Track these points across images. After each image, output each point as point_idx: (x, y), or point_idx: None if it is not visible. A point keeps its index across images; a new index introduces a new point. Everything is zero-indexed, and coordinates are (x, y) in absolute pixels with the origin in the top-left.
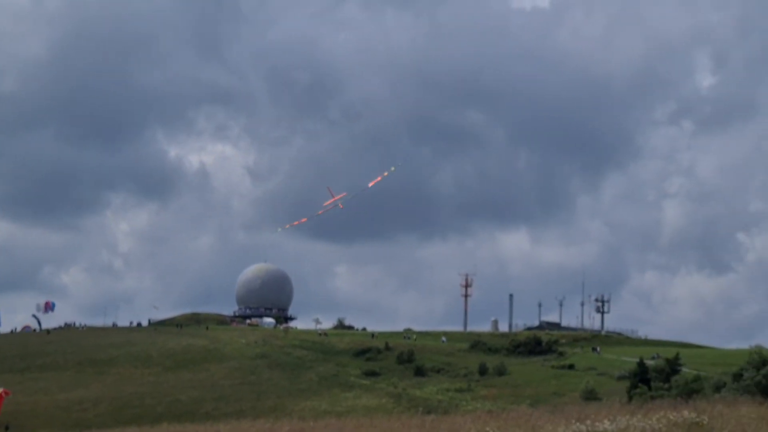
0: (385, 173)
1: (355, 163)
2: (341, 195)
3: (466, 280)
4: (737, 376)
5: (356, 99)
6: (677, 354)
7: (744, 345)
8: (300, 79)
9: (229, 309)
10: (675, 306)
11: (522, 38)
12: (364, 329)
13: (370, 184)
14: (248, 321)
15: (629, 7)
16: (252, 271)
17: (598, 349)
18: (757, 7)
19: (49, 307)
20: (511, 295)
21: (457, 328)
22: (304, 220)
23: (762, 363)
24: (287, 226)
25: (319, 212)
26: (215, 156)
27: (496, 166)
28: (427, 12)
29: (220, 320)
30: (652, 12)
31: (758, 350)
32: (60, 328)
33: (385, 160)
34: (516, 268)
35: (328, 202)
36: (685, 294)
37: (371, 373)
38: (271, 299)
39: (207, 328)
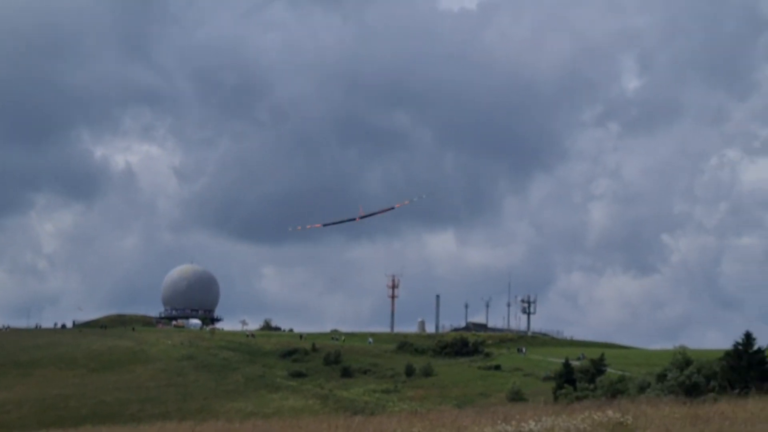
0: (406, 201)
1: (283, 163)
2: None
3: (393, 281)
4: (661, 377)
5: (283, 100)
6: (602, 355)
7: (668, 345)
8: (227, 80)
9: (155, 310)
10: (601, 307)
11: (449, 40)
12: (291, 330)
13: (397, 206)
14: (174, 322)
15: (556, 10)
16: (178, 272)
17: (524, 349)
18: (681, 11)
19: None
20: (437, 296)
21: (384, 329)
22: (318, 225)
23: (685, 363)
24: (299, 228)
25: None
26: (141, 156)
27: (423, 167)
28: (355, 13)
29: (146, 321)
30: (579, 15)
31: (682, 351)
32: None
33: (312, 161)
34: (443, 269)
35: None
36: (611, 295)
37: (298, 375)
38: (197, 300)
39: (133, 329)
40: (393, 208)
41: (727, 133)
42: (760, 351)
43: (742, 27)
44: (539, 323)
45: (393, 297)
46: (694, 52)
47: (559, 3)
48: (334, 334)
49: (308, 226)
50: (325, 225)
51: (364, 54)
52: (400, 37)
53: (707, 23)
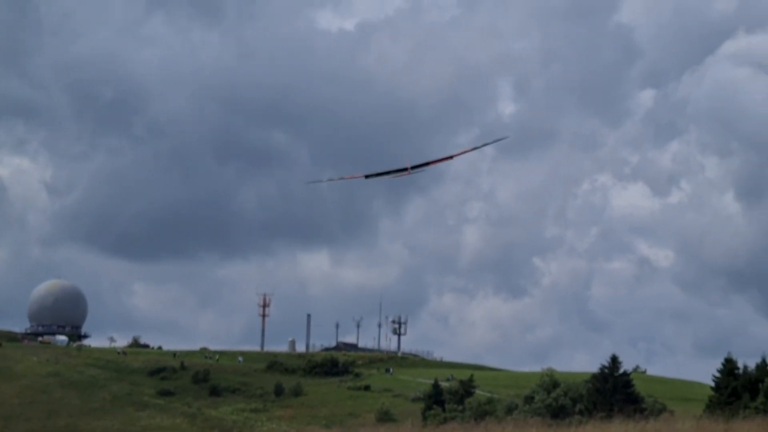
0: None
1: (158, 180)
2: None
3: (264, 299)
4: (529, 399)
5: (160, 116)
6: (471, 376)
7: (537, 368)
8: (103, 94)
9: (21, 326)
10: (471, 329)
11: (328, 60)
12: (159, 348)
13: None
14: (40, 338)
15: (435, 33)
16: (45, 287)
17: (391, 370)
18: (558, 37)
19: None
20: (308, 316)
21: (255, 348)
22: (359, 176)
23: (553, 386)
24: (337, 179)
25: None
26: (12, 169)
27: (299, 186)
28: (235, 31)
29: (11, 337)
30: (457, 39)
31: (549, 373)
32: None
33: (188, 178)
34: (316, 288)
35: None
36: (482, 317)
37: (166, 393)
38: (64, 316)
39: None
40: (451, 157)
41: (600, 159)
42: (625, 374)
43: (617, 55)
44: (410, 344)
45: (264, 316)
46: (569, 79)
47: (438, 26)
48: (207, 353)
49: (347, 177)
50: (367, 177)
51: (242, 72)
52: (279, 56)
53: (583, 51)
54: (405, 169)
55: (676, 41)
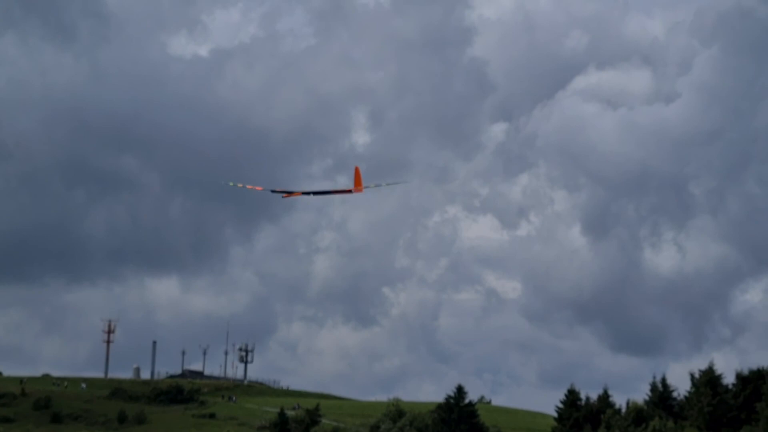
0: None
1: (5, 202)
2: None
3: (109, 326)
4: (374, 428)
5: (7, 137)
6: (318, 405)
7: (384, 397)
8: None
9: None
10: (320, 357)
11: (181, 86)
12: None
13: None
14: None
15: (290, 62)
16: None
17: (234, 398)
18: (412, 69)
19: None
20: (154, 342)
21: (99, 374)
22: (259, 188)
23: (398, 415)
24: (240, 185)
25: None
26: None
27: (149, 211)
28: (87, 53)
29: None
30: (312, 68)
31: (396, 402)
32: None
33: (35, 200)
34: (163, 315)
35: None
36: (330, 346)
37: (5, 420)
38: None
39: None
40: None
41: (451, 191)
42: (470, 404)
43: (470, 88)
44: (257, 372)
45: (108, 342)
46: (423, 111)
47: (293, 55)
48: (54, 380)
49: (248, 186)
50: (273, 191)
51: (93, 95)
52: (131, 80)
53: (436, 83)
54: (348, 191)
55: (529, 76)
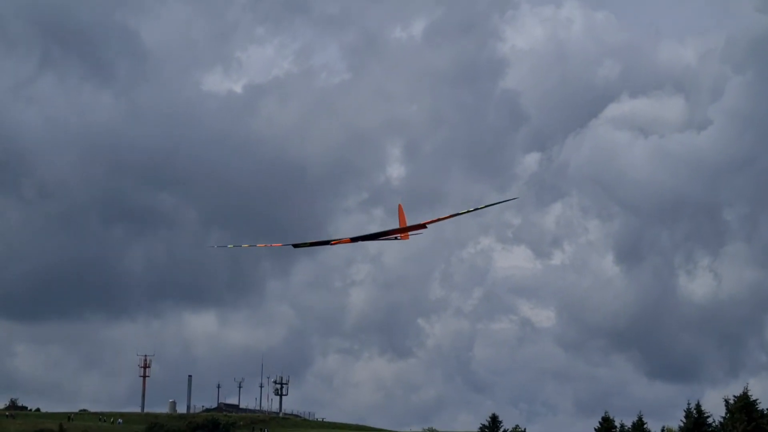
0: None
1: (45, 241)
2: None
3: (145, 360)
4: None
5: (47, 176)
6: None
7: (420, 427)
8: None
9: None
10: (356, 389)
11: (215, 123)
12: (38, 410)
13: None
14: None
15: (324, 97)
16: None
17: (266, 430)
18: (446, 102)
19: None
20: (189, 377)
21: (135, 409)
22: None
23: None
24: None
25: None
26: None
27: (186, 247)
28: (126, 92)
29: None
30: (347, 103)
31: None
32: None
33: (76, 238)
34: (199, 349)
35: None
36: (366, 377)
37: None
38: None
39: None
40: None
41: (484, 223)
42: None
43: (502, 120)
44: (292, 405)
45: (144, 377)
46: (457, 143)
47: (328, 90)
48: (101, 415)
49: (230, 246)
50: (295, 246)
51: (130, 133)
52: (166, 118)
53: (470, 115)
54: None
55: (562, 105)
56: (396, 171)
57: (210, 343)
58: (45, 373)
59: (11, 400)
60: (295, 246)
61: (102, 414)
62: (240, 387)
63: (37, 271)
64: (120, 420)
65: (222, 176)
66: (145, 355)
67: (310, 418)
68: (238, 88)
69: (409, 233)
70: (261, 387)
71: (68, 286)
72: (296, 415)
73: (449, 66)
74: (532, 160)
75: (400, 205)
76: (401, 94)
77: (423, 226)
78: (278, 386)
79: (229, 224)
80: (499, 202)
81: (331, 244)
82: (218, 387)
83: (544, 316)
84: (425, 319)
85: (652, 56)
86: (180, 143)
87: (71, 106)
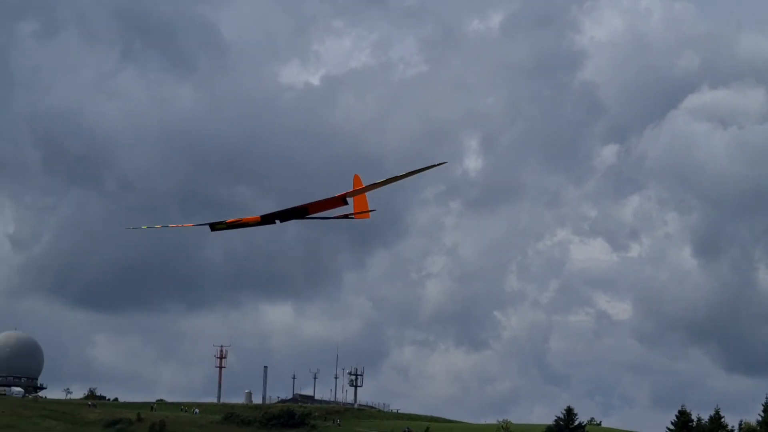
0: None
1: (125, 232)
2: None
3: (221, 351)
4: None
5: (128, 170)
6: (428, 427)
7: (495, 420)
8: (72, 148)
9: None
10: (431, 381)
11: (292, 115)
12: (116, 399)
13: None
14: None
15: (401, 89)
16: (0, 338)
17: (339, 421)
18: (523, 94)
19: None
20: (265, 368)
21: (212, 399)
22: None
23: None
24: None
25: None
26: None
27: (265, 239)
28: (206, 84)
29: None
30: (424, 95)
31: (505, 424)
32: None
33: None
34: (275, 340)
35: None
36: (442, 369)
37: None
38: (20, 368)
39: None
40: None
41: (561, 215)
42: (580, 426)
43: (580, 112)
44: (367, 396)
45: (220, 367)
46: (534, 135)
47: (405, 81)
48: (183, 405)
49: (144, 227)
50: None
51: (209, 125)
52: (245, 111)
53: (547, 107)
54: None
55: (640, 97)
56: (473, 163)
57: (286, 334)
58: (123, 363)
59: (90, 389)
60: (213, 228)
61: (182, 404)
62: (315, 378)
63: (118, 263)
64: (196, 410)
65: (299, 168)
66: (222, 346)
67: (385, 410)
68: (315, 81)
69: (369, 212)
70: (336, 378)
71: (148, 278)
72: (371, 407)
73: (527, 58)
74: (609, 152)
75: (356, 176)
76: (478, 86)
77: (341, 200)
78: (353, 377)
79: None
80: (426, 168)
81: (241, 222)
82: (293, 378)
83: (621, 309)
84: (501, 311)
85: (732, 47)
86: (258, 135)
87: (152, 100)
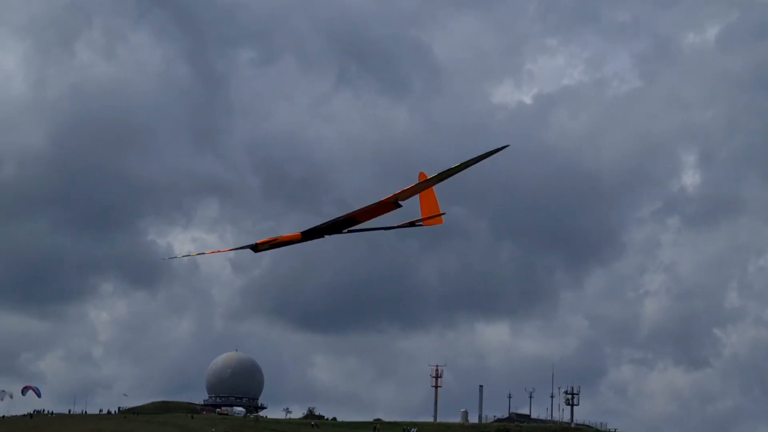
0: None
1: (344, 255)
2: None
3: (437, 371)
4: None
5: (346, 192)
6: None
7: None
8: (291, 172)
9: (200, 397)
10: (650, 400)
11: (506, 134)
12: (334, 419)
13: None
14: (218, 410)
15: (616, 105)
16: (222, 359)
17: None
18: (742, 107)
19: (30, 389)
20: (481, 386)
21: (428, 418)
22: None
23: None
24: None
25: None
26: (198, 246)
27: (478, 258)
28: (420, 107)
29: (190, 408)
30: (639, 111)
31: None
32: (28, 415)
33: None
34: (491, 359)
35: None
36: (661, 388)
37: None
38: (241, 388)
39: (192, 416)
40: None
41: None
42: None
43: None
44: (584, 415)
45: (436, 387)
46: (754, 149)
47: (619, 97)
48: (405, 425)
49: (181, 256)
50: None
51: (423, 146)
52: (458, 131)
53: (767, 120)
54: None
55: None
56: (691, 179)
57: (501, 353)
58: (341, 382)
59: (309, 409)
60: (256, 249)
61: (401, 423)
62: (531, 397)
63: (335, 285)
64: (414, 429)
65: (514, 187)
66: (437, 365)
67: (602, 429)
68: (528, 99)
69: (440, 215)
70: (552, 397)
71: (364, 299)
72: (588, 426)
73: (745, 70)
74: None
75: (421, 173)
76: (696, 100)
77: (393, 203)
78: (569, 396)
79: (521, 235)
80: (485, 155)
81: (282, 239)
82: (509, 397)
83: None
84: (721, 328)
85: None
86: (471, 155)
87: (367, 122)
